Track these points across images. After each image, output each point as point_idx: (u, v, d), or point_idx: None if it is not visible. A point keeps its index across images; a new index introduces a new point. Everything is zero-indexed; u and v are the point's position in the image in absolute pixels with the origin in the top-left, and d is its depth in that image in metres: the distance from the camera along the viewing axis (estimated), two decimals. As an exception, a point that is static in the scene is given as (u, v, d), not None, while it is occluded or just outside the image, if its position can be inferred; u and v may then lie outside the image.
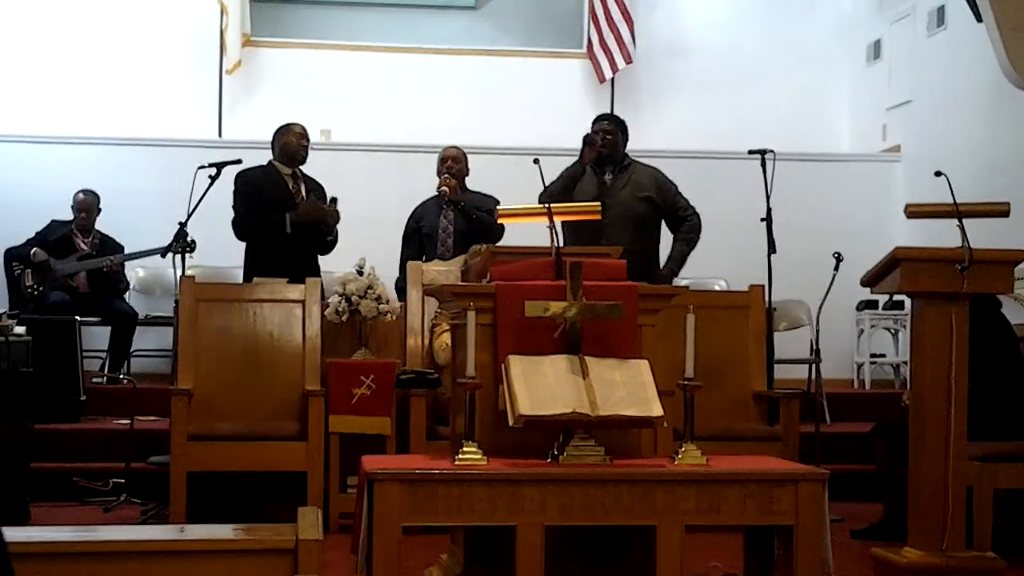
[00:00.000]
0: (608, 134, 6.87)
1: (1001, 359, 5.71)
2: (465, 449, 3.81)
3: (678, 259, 6.98)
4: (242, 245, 7.08)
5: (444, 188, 7.11)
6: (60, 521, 5.97)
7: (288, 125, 7.14)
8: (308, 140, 7.12)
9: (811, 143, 10.39)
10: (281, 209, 6.91)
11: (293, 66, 10.73)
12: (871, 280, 5.05)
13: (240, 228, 7.00)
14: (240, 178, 7.01)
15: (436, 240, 7.16)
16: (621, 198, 6.81)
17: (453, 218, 7.15)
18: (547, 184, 6.70)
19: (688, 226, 6.95)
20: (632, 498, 3.76)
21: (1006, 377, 5.71)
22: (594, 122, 7.07)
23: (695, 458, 3.91)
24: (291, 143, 7.05)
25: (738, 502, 3.81)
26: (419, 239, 7.26)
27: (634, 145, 7.22)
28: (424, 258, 7.07)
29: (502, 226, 6.78)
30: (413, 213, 7.39)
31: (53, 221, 8.55)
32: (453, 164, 7.23)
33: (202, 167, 6.68)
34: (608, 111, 10.86)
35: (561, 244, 4.49)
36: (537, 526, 3.72)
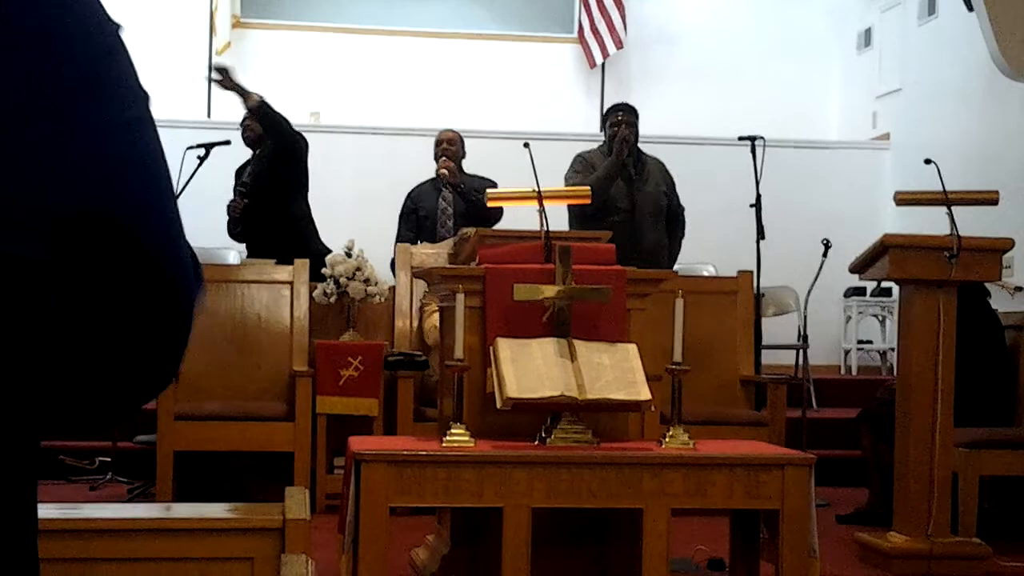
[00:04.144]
0: (630, 125, 6.81)
1: (987, 347, 5.73)
2: (453, 431, 3.81)
3: (675, 257, 7.04)
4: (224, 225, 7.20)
5: (443, 171, 7.09)
6: (46, 499, 5.92)
7: None
8: (246, 120, 7.09)
9: (801, 130, 10.40)
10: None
11: (283, 48, 10.70)
12: (859, 267, 5.06)
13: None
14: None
15: (435, 222, 7.12)
16: (648, 190, 6.80)
17: (452, 200, 7.13)
18: (578, 179, 6.69)
19: (680, 223, 7.02)
20: (619, 481, 3.76)
21: (992, 365, 5.73)
22: (610, 112, 6.95)
23: (682, 442, 3.91)
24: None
25: (724, 486, 3.82)
26: (416, 220, 7.24)
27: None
28: (420, 240, 7.06)
29: (500, 209, 6.79)
30: (410, 194, 7.34)
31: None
32: (449, 147, 7.20)
33: (191, 148, 6.67)
34: (600, 97, 10.89)
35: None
36: (524, 508, 3.72)
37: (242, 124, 7.12)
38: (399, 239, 7.09)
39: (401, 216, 7.31)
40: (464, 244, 4.50)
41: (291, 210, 7.06)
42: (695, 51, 10.95)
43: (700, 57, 10.92)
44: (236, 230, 7.19)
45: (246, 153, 7.24)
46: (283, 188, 7.03)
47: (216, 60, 6.72)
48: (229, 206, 7.09)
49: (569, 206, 6.61)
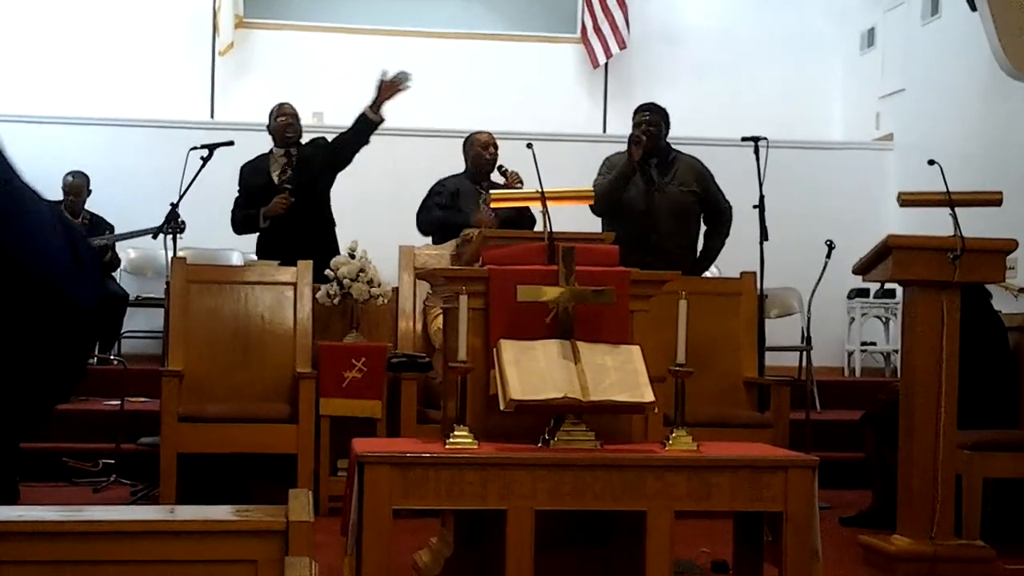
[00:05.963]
0: (651, 125, 6.75)
1: (990, 349, 5.72)
2: (456, 433, 3.81)
3: (712, 255, 6.97)
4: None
5: (518, 184, 7.05)
6: (49, 501, 5.96)
7: (275, 107, 7.13)
8: (294, 117, 7.04)
9: (804, 131, 10.39)
10: (260, 202, 6.92)
11: (286, 48, 10.70)
12: (863, 268, 5.06)
13: (231, 221, 7.10)
14: (241, 169, 7.09)
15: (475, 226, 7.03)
16: (670, 191, 6.75)
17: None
18: (594, 182, 6.68)
19: (723, 220, 6.93)
20: (622, 483, 3.76)
21: (995, 367, 5.72)
22: (634, 113, 6.90)
23: (686, 444, 3.91)
24: (277, 126, 7.05)
25: (728, 488, 3.82)
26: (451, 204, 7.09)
27: (628, 131, 7.20)
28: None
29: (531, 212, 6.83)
30: (446, 188, 7.13)
31: (42, 203, 8.49)
32: (495, 151, 7.15)
33: (194, 148, 6.68)
34: (603, 97, 10.89)
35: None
36: (527, 510, 3.72)
37: (281, 124, 7.03)
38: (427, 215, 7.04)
39: (431, 195, 7.15)
40: (467, 245, 4.49)
41: (327, 213, 7.09)
42: (698, 51, 10.94)
43: (703, 57, 10.91)
44: (260, 227, 7.02)
45: (250, 153, 7.21)
46: (325, 192, 7.05)
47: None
48: (274, 203, 6.88)
49: (591, 207, 6.60)
